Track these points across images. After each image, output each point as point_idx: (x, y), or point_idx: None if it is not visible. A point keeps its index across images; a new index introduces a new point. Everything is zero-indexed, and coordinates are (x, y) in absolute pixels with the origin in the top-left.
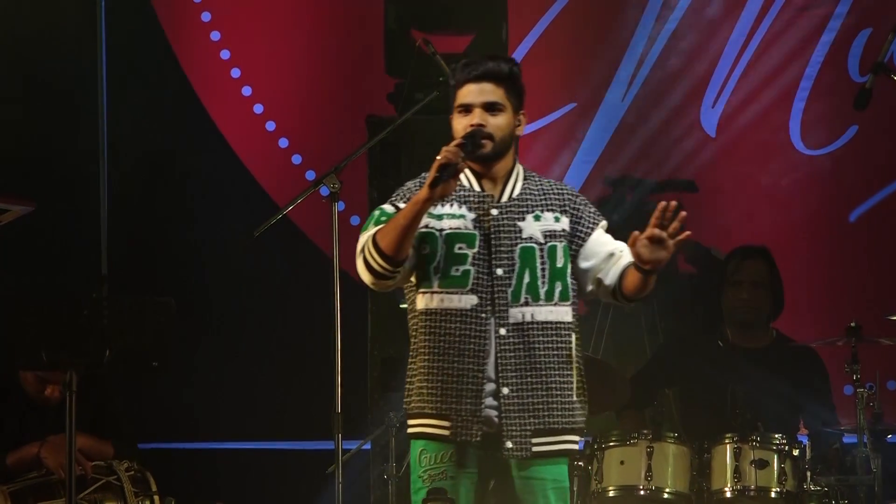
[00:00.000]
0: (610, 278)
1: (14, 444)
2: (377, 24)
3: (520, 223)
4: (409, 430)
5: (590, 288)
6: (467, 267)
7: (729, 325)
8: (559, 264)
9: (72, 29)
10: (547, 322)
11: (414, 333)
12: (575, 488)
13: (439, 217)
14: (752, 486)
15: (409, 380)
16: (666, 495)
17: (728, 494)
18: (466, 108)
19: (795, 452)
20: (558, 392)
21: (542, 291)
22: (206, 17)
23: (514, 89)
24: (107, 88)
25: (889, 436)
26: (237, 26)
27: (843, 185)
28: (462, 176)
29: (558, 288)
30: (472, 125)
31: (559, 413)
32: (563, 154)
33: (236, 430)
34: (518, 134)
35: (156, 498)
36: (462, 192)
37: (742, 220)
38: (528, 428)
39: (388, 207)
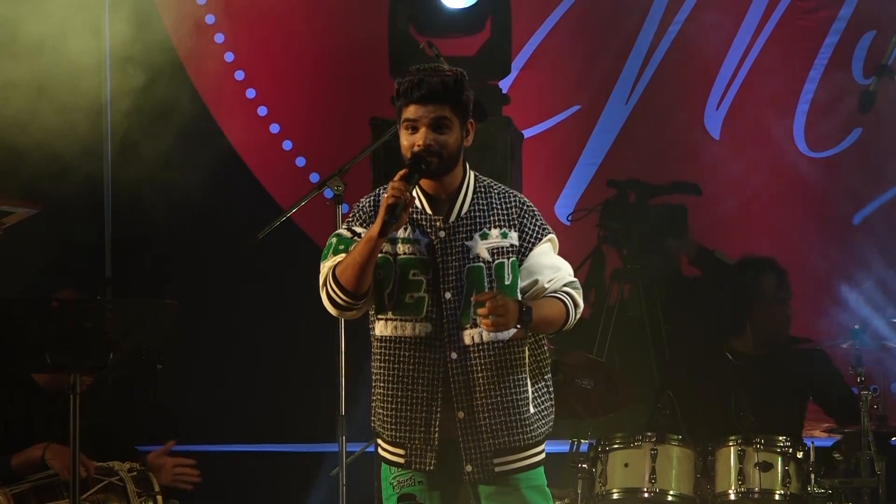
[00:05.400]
0: None
1: (21, 444)
2: (381, 26)
3: (468, 243)
4: (378, 450)
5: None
6: (422, 294)
7: (756, 338)
8: (507, 282)
9: (75, 30)
10: (495, 341)
11: (374, 358)
12: (579, 490)
13: (393, 241)
14: (756, 489)
15: (372, 401)
16: (670, 498)
17: (732, 497)
18: (412, 125)
19: (799, 455)
20: (515, 410)
21: None
22: (210, 19)
23: (461, 102)
24: (111, 91)
25: (893, 438)
26: (241, 29)
27: (847, 188)
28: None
29: None
30: (417, 145)
31: (518, 431)
32: (567, 157)
33: (240, 432)
34: (466, 145)
35: (158, 498)
36: (414, 215)
37: (745, 222)
38: (489, 449)
39: (344, 233)
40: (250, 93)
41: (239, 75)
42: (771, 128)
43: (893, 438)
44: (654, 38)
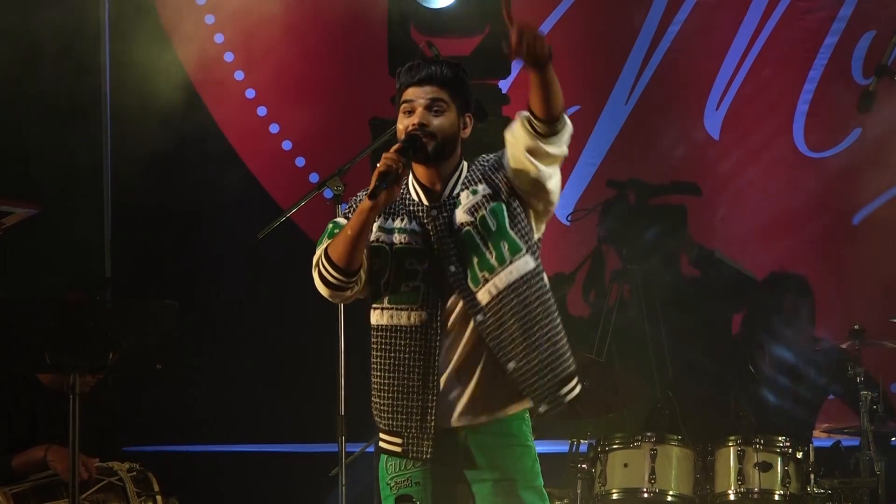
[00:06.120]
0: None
1: (25, 443)
2: (381, 26)
3: (452, 217)
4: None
5: (524, 166)
6: (418, 283)
7: (772, 351)
8: (494, 228)
9: (76, 31)
10: (514, 281)
11: (371, 348)
12: (578, 490)
13: (390, 231)
14: (756, 489)
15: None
16: (669, 498)
17: (731, 497)
18: (409, 108)
19: (799, 455)
20: (557, 337)
21: (494, 260)
22: (210, 20)
23: (460, 92)
24: (110, 91)
25: (893, 438)
26: (241, 29)
27: (847, 188)
28: (410, 187)
29: (505, 247)
30: (413, 124)
31: (567, 356)
32: (567, 157)
33: (240, 432)
34: (464, 136)
35: (158, 498)
36: (411, 207)
37: (746, 222)
38: (553, 382)
39: (341, 220)
40: (250, 93)
41: (239, 75)
42: (771, 128)
43: (893, 438)
44: (654, 38)
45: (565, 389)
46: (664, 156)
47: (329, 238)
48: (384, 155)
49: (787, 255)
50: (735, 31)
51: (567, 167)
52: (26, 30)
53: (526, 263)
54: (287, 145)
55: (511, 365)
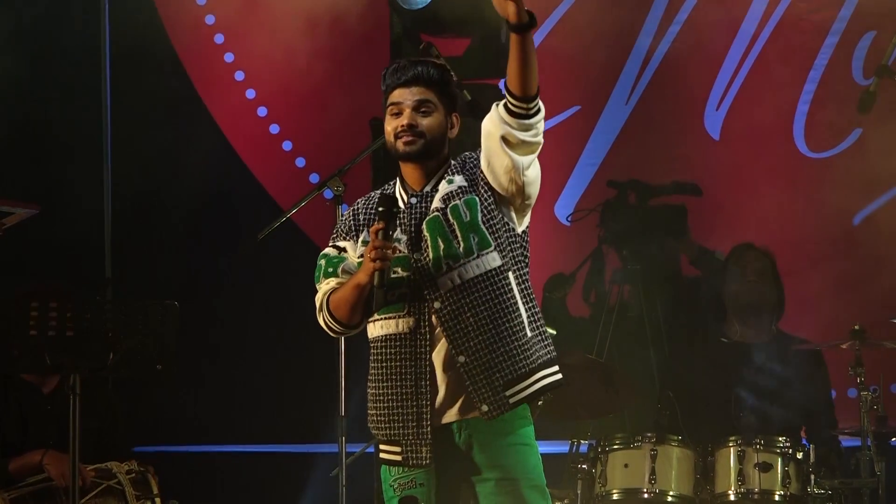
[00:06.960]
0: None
1: (17, 445)
2: (382, 26)
3: (429, 206)
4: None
5: (499, 156)
6: (403, 290)
7: (735, 315)
8: (466, 219)
9: (76, 30)
10: (477, 276)
11: (370, 361)
12: (579, 491)
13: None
14: (756, 489)
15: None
16: (670, 498)
17: (732, 497)
18: (397, 110)
19: (799, 455)
20: (513, 337)
21: (461, 250)
22: (210, 20)
23: (446, 92)
24: (111, 91)
25: (893, 439)
26: (241, 29)
27: (847, 189)
28: (396, 195)
29: (475, 240)
30: (401, 126)
31: (521, 356)
32: (567, 157)
33: (240, 433)
34: (451, 136)
35: (157, 500)
36: (398, 216)
37: (746, 223)
38: (498, 382)
39: (330, 252)
40: (250, 93)
41: (239, 76)
42: (771, 128)
43: (893, 439)
44: (654, 38)
45: (512, 390)
46: (664, 156)
47: (324, 276)
48: (371, 244)
49: (786, 255)
50: (735, 31)
51: (567, 167)
52: (25, 30)
53: (493, 260)
54: (287, 146)
55: (461, 359)
